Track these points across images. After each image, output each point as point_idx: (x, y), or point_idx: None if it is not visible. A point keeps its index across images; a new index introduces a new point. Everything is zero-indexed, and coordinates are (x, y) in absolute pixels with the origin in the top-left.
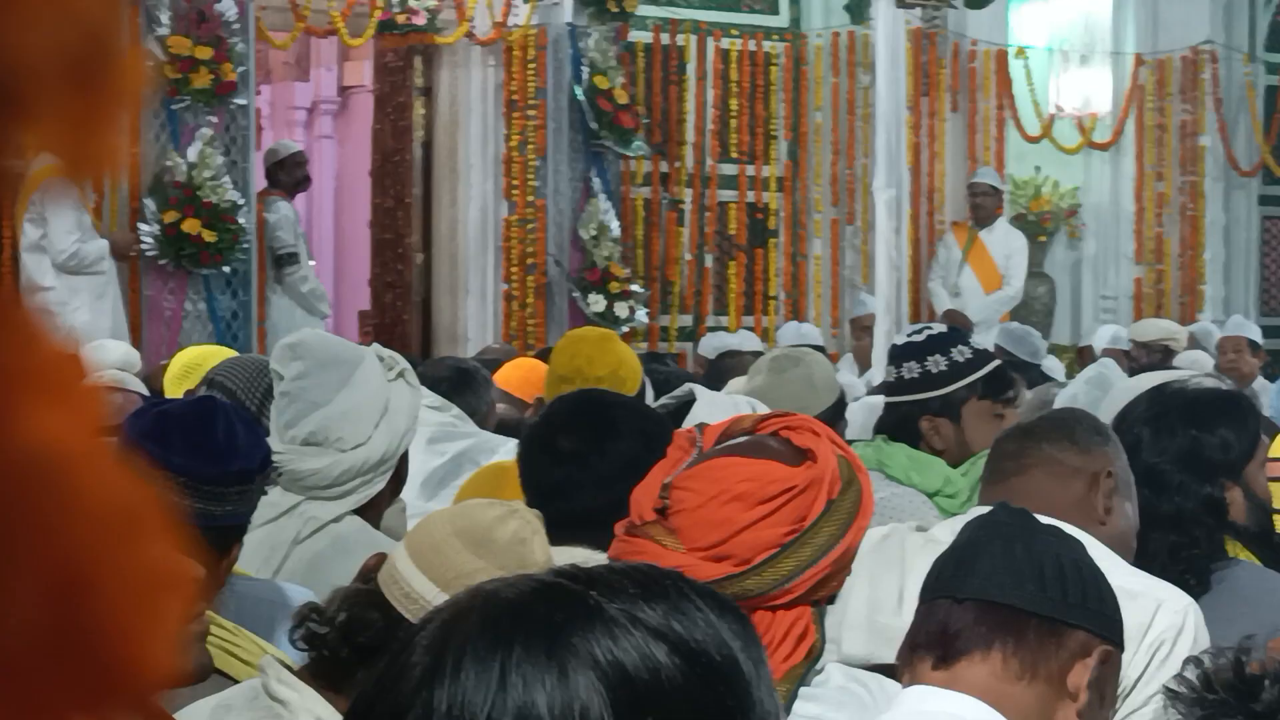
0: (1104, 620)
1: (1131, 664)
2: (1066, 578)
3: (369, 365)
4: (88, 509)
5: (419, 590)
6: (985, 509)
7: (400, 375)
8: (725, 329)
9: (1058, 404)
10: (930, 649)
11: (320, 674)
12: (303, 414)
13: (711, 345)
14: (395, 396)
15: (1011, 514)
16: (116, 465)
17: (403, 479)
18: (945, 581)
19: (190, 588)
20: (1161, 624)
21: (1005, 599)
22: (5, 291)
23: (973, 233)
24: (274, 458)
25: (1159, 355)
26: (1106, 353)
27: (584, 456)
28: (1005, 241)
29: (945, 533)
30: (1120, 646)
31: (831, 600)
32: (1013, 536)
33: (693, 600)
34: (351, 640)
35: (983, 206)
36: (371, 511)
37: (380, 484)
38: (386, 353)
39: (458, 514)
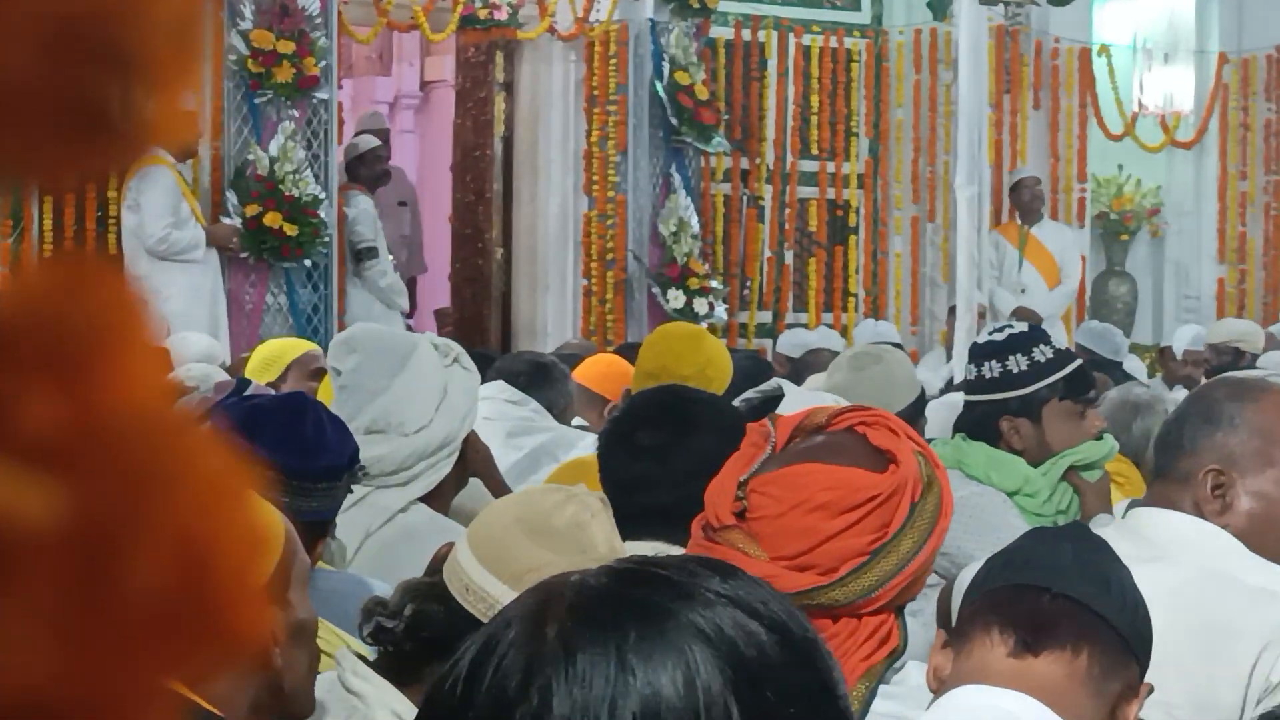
0: (1148, 662)
1: (1275, 667)
2: (1139, 610)
3: (423, 351)
4: (196, 470)
5: (479, 583)
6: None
7: (455, 361)
8: (805, 326)
9: None
10: (1018, 632)
11: (390, 669)
12: (362, 404)
13: (791, 343)
14: (452, 381)
15: (1089, 534)
16: (200, 426)
17: (467, 464)
18: (1037, 572)
19: (277, 544)
20: None
21: (1101, 608)
22: (98, 259)
23: (1024, 230)
24: None
25: (1229, 357)
26: (1188, 354)
27: (662, 452)
28: (1058, 236)
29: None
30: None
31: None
32: (1094, 551)
33: (755, 581)
34: (415, 634)
35: (1037, 198)
36: (438, 499)
37: (445, 468)
38: (440, 340)
39: (516, 502)
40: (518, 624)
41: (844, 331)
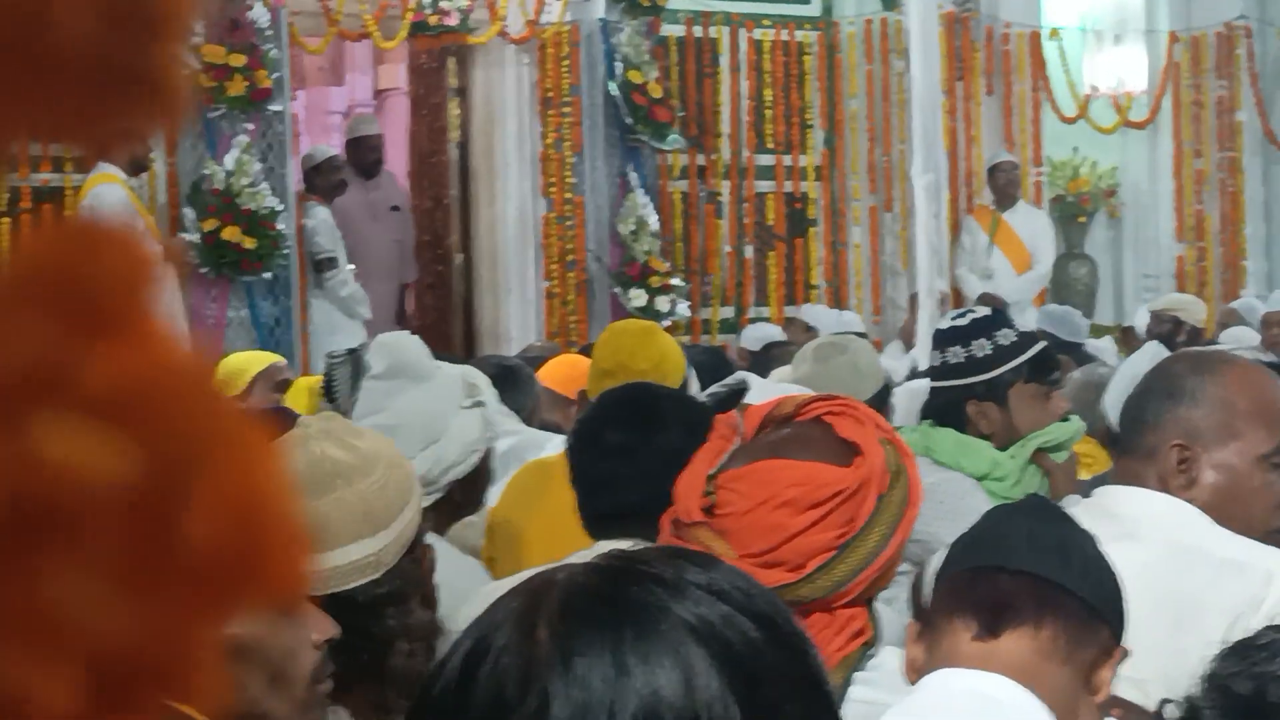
0: (1122, 624)
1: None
2: (1102, 573)
3: (439, 385)
4: (236, 425)
5: (354, 556)
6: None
7: (476, 405)
8: (767, 319)
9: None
10: (978, 616)
11: None
12: (366, 413)
13: (753, 336)
14: (459, 424)
15: (1045, 504)
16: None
17: (473, 501)
18: (991, 552)
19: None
20: (1276, 594)
21: (1059, 578)
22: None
23: (996, 215)
24: None
25: (1169, 325)
26: (1150, 333)
27: (631, 450)
28: (1029, 221)
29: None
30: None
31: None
32: (1050, 521)
33: (735, 572)
34: None
35: (1013, 183)
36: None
37: (425, 502)
38: (474, 379)
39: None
40: (509, 626)
41: (807, 327)
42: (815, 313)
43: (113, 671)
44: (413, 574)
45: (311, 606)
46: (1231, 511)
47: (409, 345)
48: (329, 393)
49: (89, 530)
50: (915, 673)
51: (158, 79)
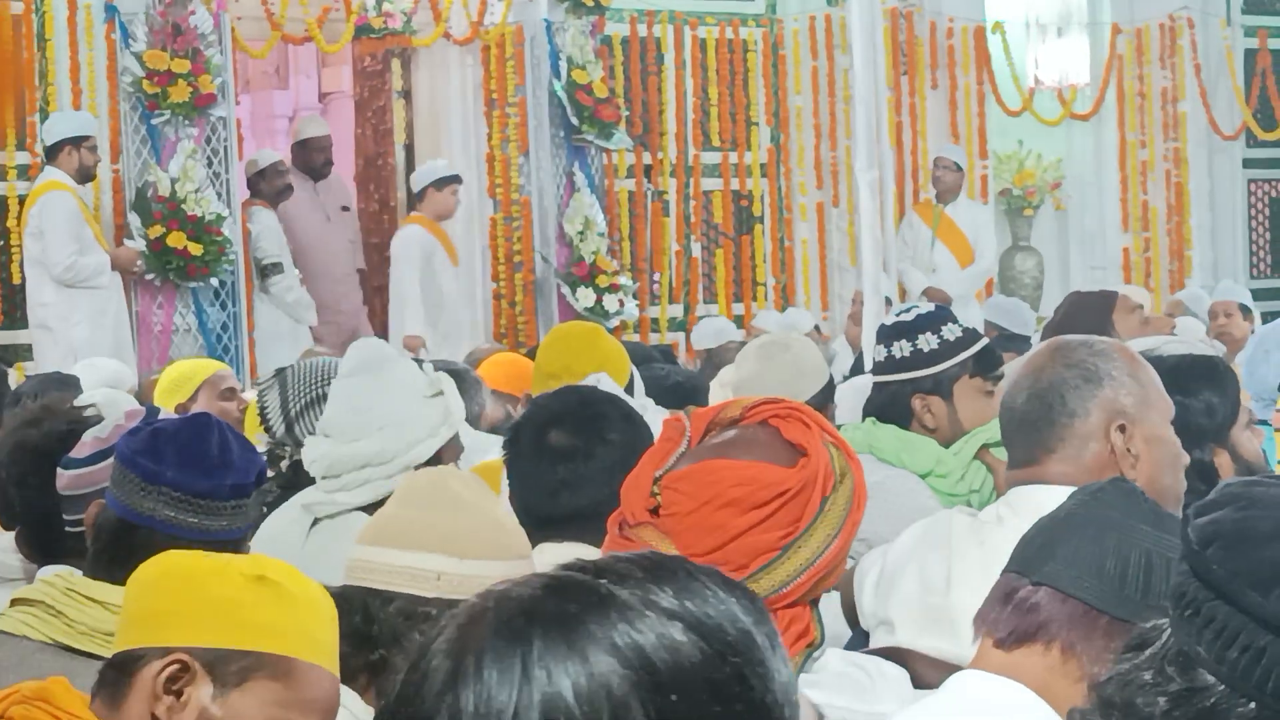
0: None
1: None
2: (1152, 577)
3: (396, 371)
4: None
5: (379, 560)
6: None
7: (439, 395)
8: (716, 317)
9: None
10: (994, 626)
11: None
12: (336, 411)
13: (707, 333)
14: (419, 410)
15: (1117, 494)
16: None
17: None
18: (1026, 558)
19: None
20: None
21: (1078, 593)
22: None
23: (938, 210)
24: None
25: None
26: None
27: (578, 454)
28: (971, 215)
29: (991, 514)
30: None
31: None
32: (1107, 523)
33: (700, 580)
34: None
35: (944, 180)
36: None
37: (382, 486)
38: (434, 374)
39: (401, 493)
40: (447, 637)
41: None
42: (767, 319)
43: None
44: None
45: None
46: (1166, 481)
47: (373, 344)
48: (263, 420)
49: None
50: None
51: None
